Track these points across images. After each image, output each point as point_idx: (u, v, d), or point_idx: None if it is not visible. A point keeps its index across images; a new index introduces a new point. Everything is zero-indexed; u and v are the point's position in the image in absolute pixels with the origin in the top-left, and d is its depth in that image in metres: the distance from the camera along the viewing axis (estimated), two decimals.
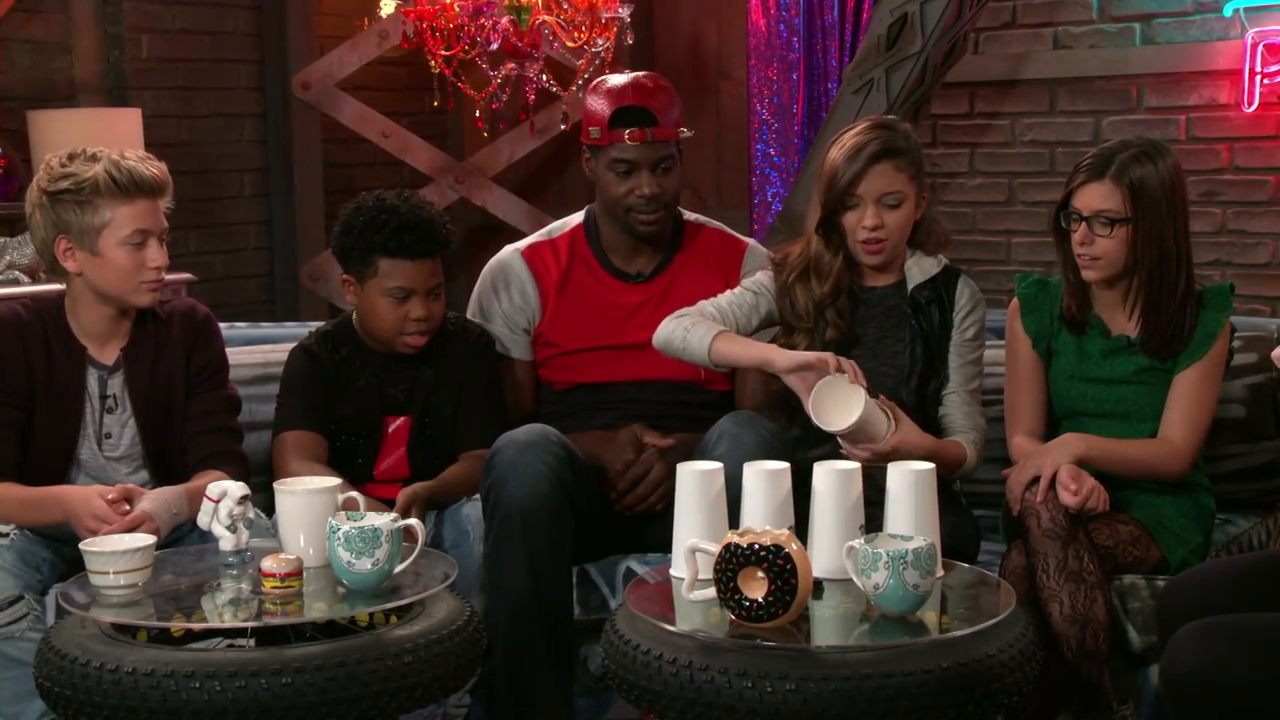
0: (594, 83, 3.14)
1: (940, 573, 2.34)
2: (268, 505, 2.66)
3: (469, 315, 3.20)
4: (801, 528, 2.39)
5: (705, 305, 2.90)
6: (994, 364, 3.06)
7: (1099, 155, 2.80)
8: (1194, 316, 2.82)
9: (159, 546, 2.50)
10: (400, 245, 2.96)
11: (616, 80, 3.10)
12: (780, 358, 2.72)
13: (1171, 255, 2.78)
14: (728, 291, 2.95)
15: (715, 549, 2.21)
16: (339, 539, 2.33)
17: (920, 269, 2.91)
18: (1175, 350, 2.82)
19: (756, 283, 2.94)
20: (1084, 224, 2.78)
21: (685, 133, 3.10)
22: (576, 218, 3.23)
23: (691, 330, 2.82)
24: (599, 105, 3.06)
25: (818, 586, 2.29)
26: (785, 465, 2.44)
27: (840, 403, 2.63)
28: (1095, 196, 2.77)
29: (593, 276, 3.16)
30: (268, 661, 2.17)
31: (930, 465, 2.44)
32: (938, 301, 2.89)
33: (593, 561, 2.93)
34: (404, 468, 3.05)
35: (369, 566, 2.33)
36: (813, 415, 2.62)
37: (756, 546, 2.16)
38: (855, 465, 2.44)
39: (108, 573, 2.36)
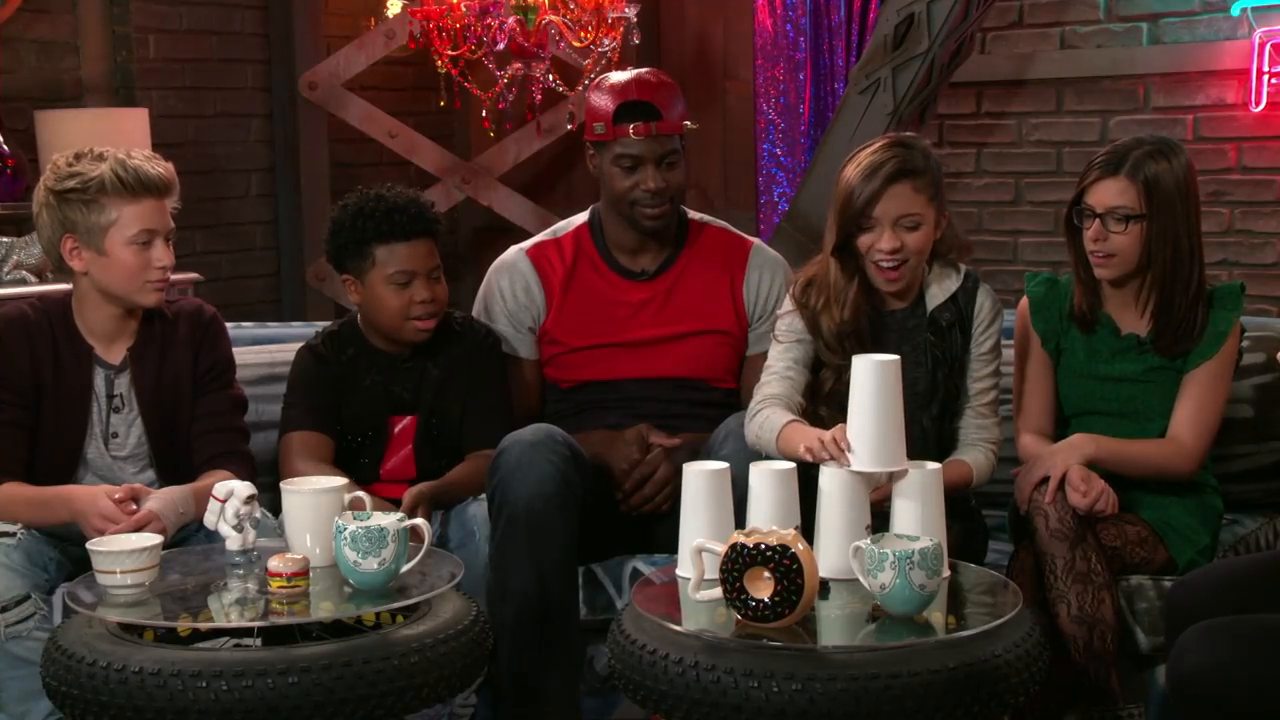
0: (597, 79, 3.15)
1: (947, 573, 2.35)
2: (274, 505, 2.66)
3: (474, 314, 3.20)
4: (808, 528, 2.39)
5: (773, 386, 2.75)
6: (1003, 363, 3.06)
7: (1113, 152, 2.79)
8: (1204, 315, 2.81)
9: (166, 546, 2.50)
10: (394, 228, 2.97)
11: (620, 76, 3.11)
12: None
13: (1185, 252, 2.78)
14: (773, 356, 2.81)
15: (721, 549, 2.21)
16: (345, 539, 2.33)
17: (941, 288, 2.82)
18: (1185, 348, 2.82)
19: (788, 331, 2.81)
20: (1097, 221, 2.78)
21: (690, 125, 3.10)
22: (581, 217, 3.23)
23: (764, 426, 2.68)
24: (603, 101, 3.06)
25: (824, 586, 2.29)
26: (791, 465, 2.43)
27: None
28: (1109, 193, 2.77)
29: (598, 274, 3.16)
30: (274, 661, 2.18)
31: (937, 465, 2.44)
32: (959, 323, 2.81)
33: (599, 561, 2.93)
34: (410, 467, 3.05)
35: (375, 566, 2.33)
36: None
37: (763, 546, 2.16)
38: None
39: (114, 572, 2.36)
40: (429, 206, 3.05)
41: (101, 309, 2.84)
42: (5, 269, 4.00)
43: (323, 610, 2.36)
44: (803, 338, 2.81)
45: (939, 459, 2.75)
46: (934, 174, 2.75)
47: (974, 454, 2.81)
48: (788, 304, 2.85)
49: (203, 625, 2.35)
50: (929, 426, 2.79)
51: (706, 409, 3.04)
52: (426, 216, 3.02)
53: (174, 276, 2.93)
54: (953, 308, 2.82)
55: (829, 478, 2.41)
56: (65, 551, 2.74)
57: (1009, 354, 3.01)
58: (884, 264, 2.73)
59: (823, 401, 2.79)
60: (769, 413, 2.70)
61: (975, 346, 2.84)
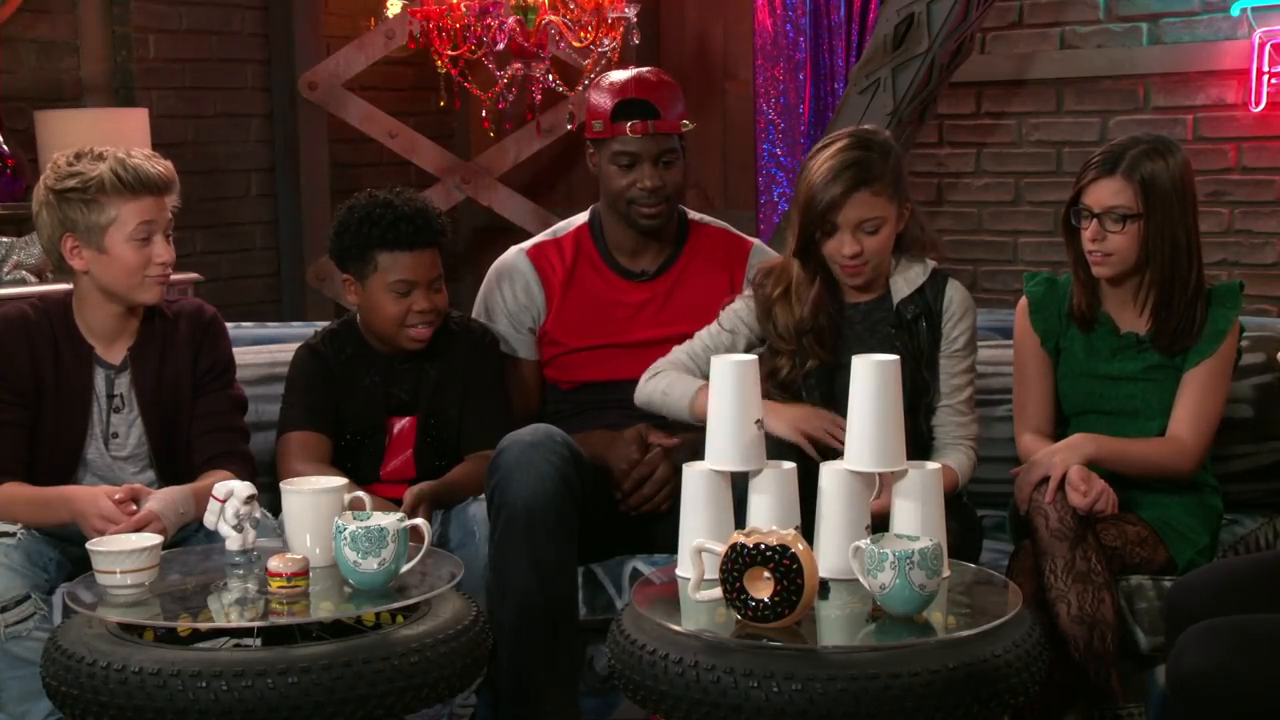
0: (597, 78, 3.15)
1: (947, 573, 2.35)
2: (274, 505, 2.66)
3: (474, 315, 3.20)
4: (808, 528, 2.39)
5: (680, 355, 2.88)
6: (1001, 363, 3.06)
7: (1109, 152, 2.80)
8: (1204, 313, 2.82)
9: (166, 546, 2.50)
10: (398, 237, 2.96)
11: (620, 75, 3.12)
12: (774, 422, 2.66)
13: (1182, 250, 2.79)
14: (704, 331, 2.91)
15: (721, 549, 2.21)
16: (345, 539, 2.33)
17: (906, 280, 2.83)
18: (1184, 346, 2.82)
19: (733, 318, 2.90)
20: (1095, 220, 2.78)
21: (688, 125, 3.10)
22: (581, 217, 3.23)
23: (670, 390, 2.82)
24: (601, 99, 3.07)
25: (824, 586, 2.29)
26: (792, 465, 2.44)
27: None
28: (1106, 193, 2.77)
29: (598, 274, 3.16)
30: (274, 661, 2.18)
31: (937, 465, 2.45)
32: (926, 315, 2.82)
33: (599, 561, 2.93)
34: (410, 468, 3.05)
35: (375, 566, 2.33)
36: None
37: (762, 546, 2.16)
38: None
39: (114, 572, 2.36)
40: (436, 216, 3.03)
41: (102, 308, 2.84)
42: (5, 269, 4.00)
43: (323, 610, 2.36)
44: (739, 330, 2.88)
45: (916, 452, 2.75)
46: (894, 172, 2.76)
47: (955, 456, 2.82)
48: (745, 290, 2.92)
49: (203, 625, 2.35)
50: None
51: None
52: (433, 227, 3.00)
53: (174, 276, 2.93)
54: (919, 300, 2.83)
55: (829, 478, 2.41)
56: (65, 551, 2.74)
57: (1007, 354, 3.01)
58: (846, 265, 2.77)
59: (777, 387, 2.84)
60: (675, 376, 2.81)
61: (948, 343, 2.83)
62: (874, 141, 2.78)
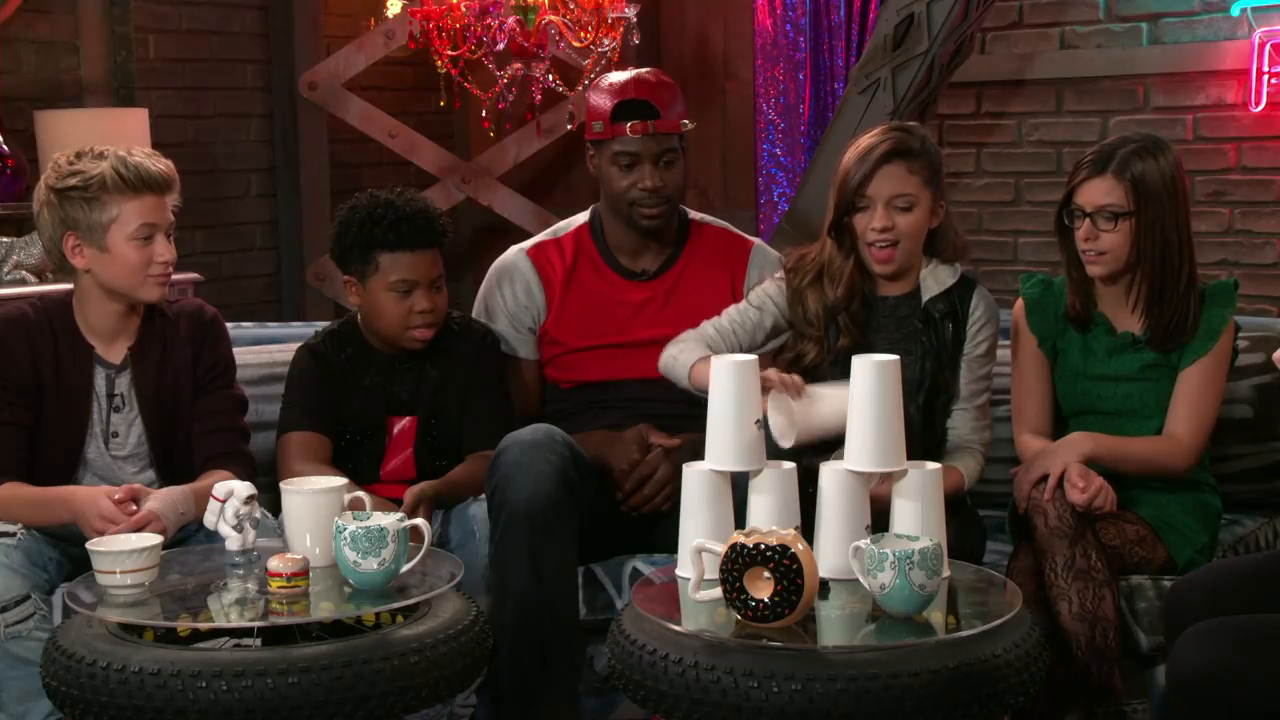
0: (596, 79, 3.16)
1: (947, 573, 2.35)
2: (274, 505, 2.66)
3: (474, 315, 3.20)
4: (808, 528, 2.39)
5: (707, 327, 2.88)
6: (1000, 363, 3.06)
7: (1099, 151, 2.82)
8: (1197, 309, 2.83)
9: (166, 546, 2.50)
10: (400, 238, 2.96)
11: (619, 76, 3.12)
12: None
13: (1174, 247, 2.80)
14: (732, 307, 2.92)
15: (721, 549, 2.21)
16: (345, 539, 2.33)
17: (936, 280, 2.85)
18: (1179, 343, 2.83)
19: (762, 295, 2.90)
20: (1087, 220, 2.79)
21: (688, 125, 3.10)
22: (582, 217, 3.23)
23: (679, 357, 2.82)
24: (601, 100, 3.07)
25: (824, 586, 2.29)
26: (792, 465, 2.44)
27: (795, 413, 2.56)
28: (1098, 192, 2.78)
29: (598, 274, 3.16)
30: (274, 661, 2.18)
31: (937, 465, 2.44)
32: (952, 315, 2.83)
33: (599, 561, 2.93)
34: (410, 468, 3.05)
35: (375, 566, 2.33)
36: (773, 430, 2.56)
37: (763, 546, 2.16)
38: None
39: (114, 572, 2.36)
40: (438, 216, 3.03)
41: (103, 307, 2.84)
42: (5, 269, 4.00)
43: (323, 610, 2.36)
44: (768, 308, 2.87)
45: (926, 451, 2.77)
46: (930, 158, 2.79)
47: (965, 459, 2.84)
48: (777, 274, 2.92)
49: (203, 625, 2.36)
50: (915, 415, 2.80)
51: (706, 409, 3.04)
52: (434, 228, 3.01)
53: (174, 276, 2.93)
54: (947, 301, 2.84)
55: (829, 478, 2.41)
56: (65, 551, 2.74)
57: (1005, 354, 3.01)
58: (877, 244, 2.77)
59: (799, 373, 2.82)
60: (686, 346, 2.83)
61: (971, 347, 2.85)
62: (913, 129, 2.83)
